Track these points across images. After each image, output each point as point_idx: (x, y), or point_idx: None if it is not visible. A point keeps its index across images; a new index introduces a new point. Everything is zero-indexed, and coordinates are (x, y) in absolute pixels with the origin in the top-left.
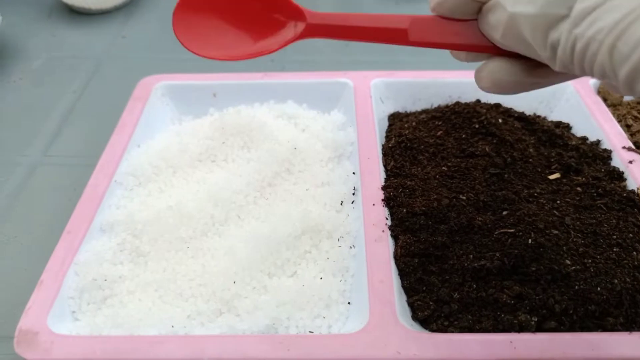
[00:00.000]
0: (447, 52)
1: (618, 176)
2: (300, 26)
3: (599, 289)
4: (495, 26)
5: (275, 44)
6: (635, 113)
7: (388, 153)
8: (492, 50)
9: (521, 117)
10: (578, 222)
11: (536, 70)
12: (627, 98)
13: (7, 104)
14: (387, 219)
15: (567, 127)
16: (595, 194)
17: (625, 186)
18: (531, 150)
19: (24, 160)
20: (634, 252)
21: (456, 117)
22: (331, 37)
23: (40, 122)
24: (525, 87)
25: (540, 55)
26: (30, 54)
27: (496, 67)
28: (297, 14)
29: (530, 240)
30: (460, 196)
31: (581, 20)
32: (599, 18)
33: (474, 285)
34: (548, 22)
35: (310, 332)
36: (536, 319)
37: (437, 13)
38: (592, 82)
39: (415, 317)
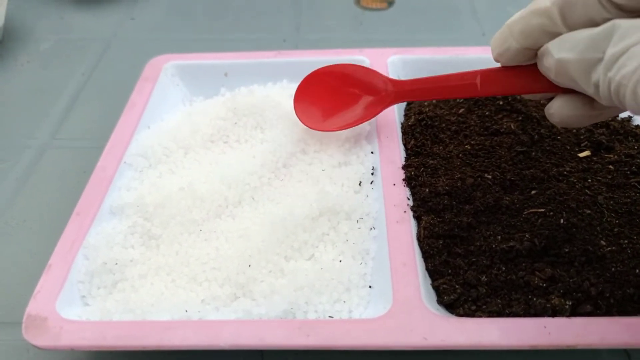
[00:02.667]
0: (464, 28)
1: None
2: (390, 94)
3: (637, 270)
4: (548, 69)
5: (371, 113)
6: None
7: (408, 131)
8: (554, 89)
9: None
10: (612, 202)
11: (596, 104)
12: None
13: (16, 86)
14: (408, 199)
15: None
16: (628, 172)
17: None
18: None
19: (32, 143)
20: None
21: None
22: (415, 99)
23: (48, 105)
24: (590, 119)
25: (588, 93)
26: (38, 36)
27: (561, 104)
28: (387, 84)
29: (562, 220)
30: (486, 175)
31: (612, 65)
32: (624, 64)
33: (503, 268)
34: (588, 66)
35: (330, 317)
36: (570, 303)
37: (500, 63)
38: None
39: (440, 302)
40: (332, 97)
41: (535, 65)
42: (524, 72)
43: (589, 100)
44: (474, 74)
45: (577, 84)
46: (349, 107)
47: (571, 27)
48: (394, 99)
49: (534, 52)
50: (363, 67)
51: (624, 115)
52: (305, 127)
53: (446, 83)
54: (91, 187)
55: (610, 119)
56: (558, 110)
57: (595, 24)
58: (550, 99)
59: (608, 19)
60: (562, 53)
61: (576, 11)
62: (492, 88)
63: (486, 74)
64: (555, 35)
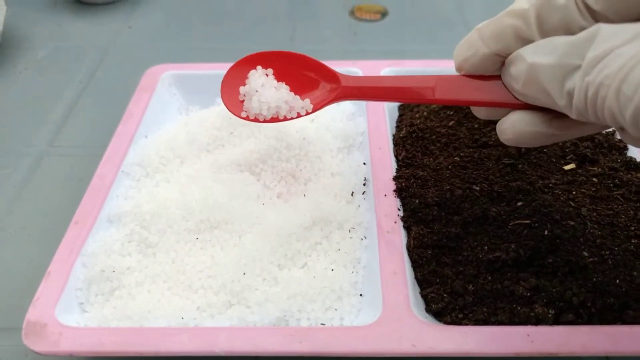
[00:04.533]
0: (456, 39)
1: (635, 166)
2: (335, 88)
3: (617, 281)
4: (516, 77)
5: (319, 105)
6: None
7: (399, 143)
8: (513, 105)
9: None
10: (595, 213)
11: (555, 122)
12: None
13: (13, 94)
14: (399, 209)
15: None
16: (611, 185)
17: None
18: None
19: (30, 151)
20: None
21: (468, 107)
22: (364, 98)
23: (46, 113)
24: (545, 139)
25: (558, 104)
26: (35, 44)
27: (517, 119)
28: (333, 78)
29: (546, 232)
30: (474, 187)
31: (592, 69)
32: (607, 65)
33: (489, 277)
34: (564, 72)
35: (322, 324)
36: (553, 312)
37: (463, 71)
38: None
39: (429, 310)
40: (288, 79)
41: (496, 77)
42: (485, 82)
43: (547, 117)
44: (431, 78)
45: (547, 93)
46: (305, 92)
47: (544, 34)
48: (341, 93)
49: (501, 61)
50: (314, 59)
51: (608, 129)
52: (299, 137)
53: (402, 84)
54: (89, 196)
55: (564, 141)
56: (512, 125)
57: (569, 32)
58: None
59: (583, 28)
60: (536, 58)
61: (554, 15)
62: (449, 95)
63: (444, 79)
64: (526, 42)
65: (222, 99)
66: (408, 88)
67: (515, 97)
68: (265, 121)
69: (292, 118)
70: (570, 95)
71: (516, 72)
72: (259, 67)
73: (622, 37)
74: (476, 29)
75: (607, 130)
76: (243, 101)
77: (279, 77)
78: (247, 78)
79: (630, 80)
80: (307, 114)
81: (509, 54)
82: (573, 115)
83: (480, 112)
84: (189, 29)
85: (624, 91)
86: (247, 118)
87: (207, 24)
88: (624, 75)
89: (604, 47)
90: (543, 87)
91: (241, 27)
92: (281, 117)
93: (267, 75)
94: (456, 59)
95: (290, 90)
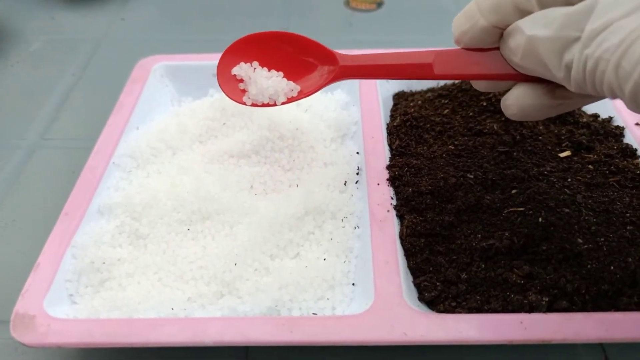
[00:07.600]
0: (451, 29)
1: (631, 153)
2: (333, 68)
3: (612, 267)
4: (514, 49)
5: (310, 87)
6: None
7: (393, 132)
8: (513, 77)
9: None
10: (590, 200)
11: (558, 91)
12: None
13: (5, 87)
14: (392, 198)
15: None
16: (607, 172)
17: (638, 164)
18: (541, 127)
19: (22, 144)
20: None
21: (463, 94)
22: (363, 77)
23: (38, 106)
24: (549, 111)
25: (556, 76)
26: (28, 36)
27: (520, 93)
28: (330, 58)
29: (540, 219)
30: (468, 175)
31: (591, 42)
32: (606, 39)
33: (483, 265)
34: (562, 44)
35: (313, 313)
36: (547, 299)
37: (462, 44)
38: None
39: (421, 298)
40: (266, 65)
41: (496, 50)
42: (485, 55)
43: (549, 88)
44: (429, 53)
45: (546, 66)
46: (302, 74)
47: (543, 5)
48: (339, 73)
49: (499, 33)
50: (309, 39)
51: (604, 115)
52: (292, 127)
53: (399, 61)
54: (80, 187)
55: (571, 111)
56: (516, 100)
57: (568, 2)
58: (504, 92)
59: None
60: (534, 30)
61: None
62: (449, 70)
63: (442, 54)
64: (525, 13)
65: (220, 86)
66: (407, 65)
67: (515, 69)
68: (263, 105)
69: (290, 101)
70: (568, 67)
71: (515, 44)
72: (242, 64)
73: (622, 9)
74: (474, 1)
75: (603, 117)
76: (243, 89)
77: (271, 63)
78: (239, 65)
79: (630, 56)
80: (306, 95)
81: (508, 26)
82: (572, 88)
83: (480, 85)
84: (182, 21)
85: (623, 66)
86: (253, 104)
87: (201, 15)
88: (624, 49)
89: (603, 20)
90: (541, 59)
91: (235, 18)
92: (279, 103)
93: (254, 68)
94: (455, 31)
95: (285, 76)
